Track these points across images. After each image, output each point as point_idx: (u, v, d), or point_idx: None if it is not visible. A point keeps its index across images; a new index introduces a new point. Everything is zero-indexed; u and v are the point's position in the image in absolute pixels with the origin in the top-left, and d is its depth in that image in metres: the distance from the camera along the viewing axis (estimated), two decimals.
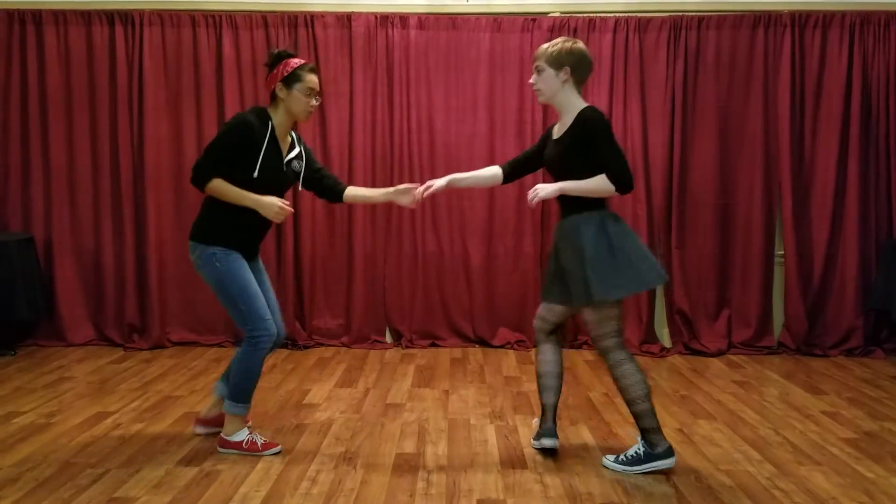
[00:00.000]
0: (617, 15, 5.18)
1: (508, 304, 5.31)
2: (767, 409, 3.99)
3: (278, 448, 3.29)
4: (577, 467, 3.17)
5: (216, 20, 5.16)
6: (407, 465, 3.18)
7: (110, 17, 5.16)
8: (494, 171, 3.40)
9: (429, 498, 2.87)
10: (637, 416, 3.10)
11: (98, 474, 3.05)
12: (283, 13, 5.17)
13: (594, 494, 2.90)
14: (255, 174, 3.14)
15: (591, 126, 3.02)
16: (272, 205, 3.12)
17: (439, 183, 3.30)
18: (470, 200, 5.27)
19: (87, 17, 5.16)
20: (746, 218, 5.21)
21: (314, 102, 3.27)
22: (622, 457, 3.14)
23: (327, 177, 3.46)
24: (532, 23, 5.19)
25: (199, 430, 3.51)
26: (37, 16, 5.15)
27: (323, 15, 5.18)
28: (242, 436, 3.26)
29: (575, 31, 5.16)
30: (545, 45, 3.16)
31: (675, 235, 5.21)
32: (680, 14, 5.16)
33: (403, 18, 5.20)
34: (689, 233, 5.23)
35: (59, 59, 5.18)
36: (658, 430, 3.10)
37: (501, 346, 5.29)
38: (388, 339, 5.41)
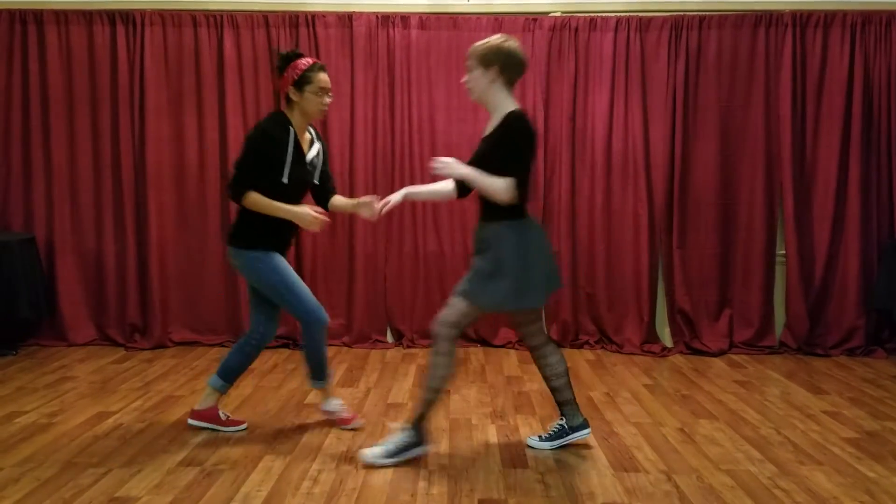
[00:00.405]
0: (618, 14, 5.18)
1: None
2: (769, 408, 3.99)
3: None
4: (579, 467, 3.17)
5: (217, 20, 5.16)
6: (408, 465, 3.18)
7: (112, 16, 5.16)
8: (448, 185, 3.38)
9: (430, 497, 2.87)
10: (424, 400, 3.16)
11: (100, 474, 3.05)
12: (284, 13, 5.17)
13: (595, 494, 2.90)
14: (285, 179, 3.28)
15: (511, 129, 3.01)
16: (306, 214, 3.26)
17: (395, 197, 3.34)
18: (471, 200, 5.24)
19: (88, 16, 5.16)
20: (748, 217, 5.21)
21: (327, 100, 3.36)
22: (386, 444, 3.19)
23: (329, 179, 3.57)
24: (533, 22, 5.19)
25: (192, 423, 3.60)
26: (38, 16, 5.16)
27: (324, 14, 5.18)
28: (336, 403, 3.65)
29: (576, 30, 5.16)
30: (477, 43, 3.13)
31: (677, 235, 5.21)
32: (681, 14, 5.16)
33: (405, 18, 5.20)
34: (690, 232, 5.23)
35: (61, 59, 5.18)
36: (426, 417, 3.19)
37: (503, 346, 5.30)
38: (390, 338, 5.41)
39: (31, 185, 5.24)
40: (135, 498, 2.83)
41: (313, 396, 4.13)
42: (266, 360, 4.90)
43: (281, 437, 3.50)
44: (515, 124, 3.02)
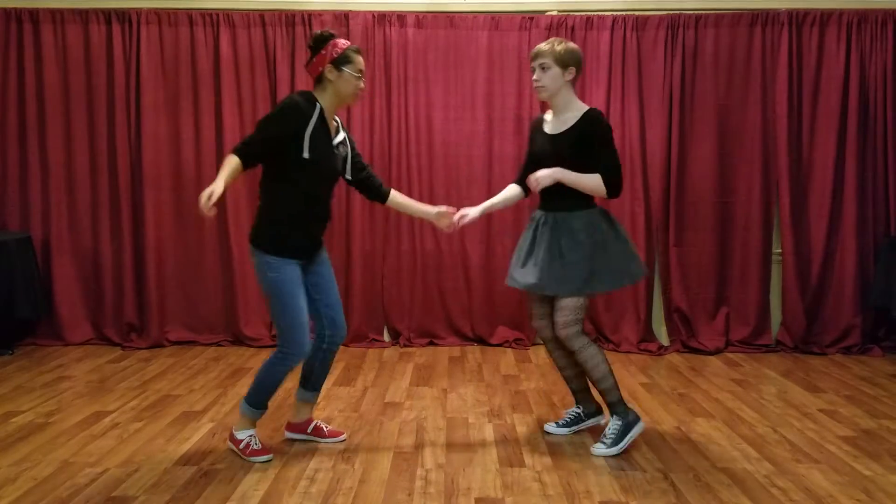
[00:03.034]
0: (615, 13, 5.18)
1: (507, 302, 5.31)
2: (765, 407, 4.00)
3: (269, 456, 3.23)
4: (576, 465, 3.17)
5: (213, 19, 5.16)
6: (405, 464, 3.18)
7: (108, 15, 5.15)
8: (516, 190, 3.55)
9: (427, 496, 2.87)
10: (605, 393, 3.31)
11: (97, 473, 3.05)
12: (280, 12, 5.17)
13: (592, 492, 2.91)
14: (306, 154, 3.05)
15: (597, 127, 3.19)
16: (204, 192, 2.85)
17: (473, 212, 3.48)
18: (469, 200, 5.25)
19: (84, 15, 5.15)
20: (744, 216, 5.22)
21: (362, 84, 3.21)
22: (605, 440, 3.29)
23: (373, 176, 3.43)
24: (530, 21, 5.19)
25: (289, 435, 3.48)
26: (34, 14, 5.15)
27: (321, 13, 5.17)
28: (244, 435, 3.25)
29: (573, 29, 5.16)
30: (548, 44, 3.25)
31: (674, 234, 5.22)
32: (678, 12, 5.16)
33: (401, 17, 5.19)
34: (687, 231, 5.23)
35: (57, 58, 5.17)
36: (623, 400, 3.34)
37: (500, 345, 5.30)
38: (387, 337, 5.41)
39: (27, 185, 5.23)
40: (132, 497, 2.83)
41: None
42: (263, 359, 4.85)
43: (278, 436, 3.50)
44: (599, 120, 3.20)
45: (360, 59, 3.18)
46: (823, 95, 5.14)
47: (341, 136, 3.30)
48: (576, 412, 3.59)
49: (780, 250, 5.26)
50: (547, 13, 5.24)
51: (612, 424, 3.32)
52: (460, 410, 3.91)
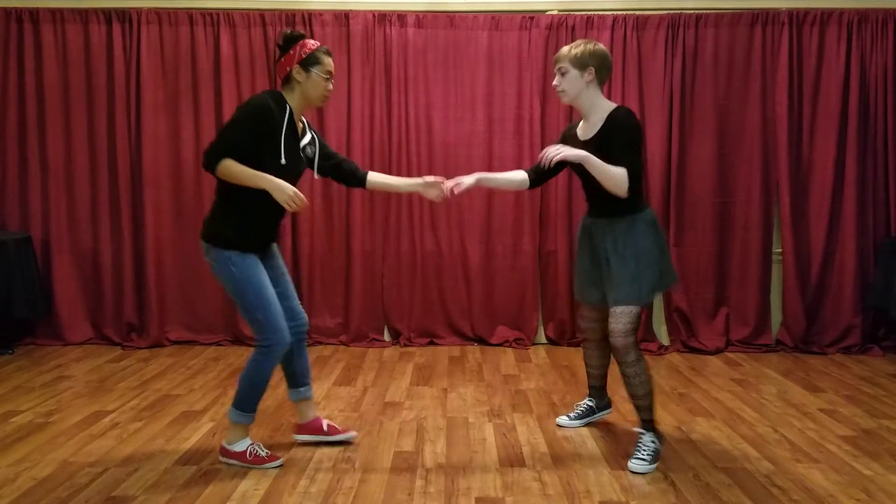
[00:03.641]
0: (615, 13, 5.18)
1: (507, 302, 5.32)
2: (765, 406, 4.00)
3: (280, 461, 3.18)
4: (576, 465, 3.17)
5: (214, 18, 5.16)
6: (405, 464, 3.18)
7: (108, 15, 5.15)
8: (522, 175, 3.43)
9: (427, 496, 2.87)
10: (643, 409, 3.22)
11: (96, 473, 3.05)
12: (280, 11, 5.17)
13: (592, 492, 2.90)
14: (283, 161, 3.02)
15: (626, 125, 3.09)
16: (285, 188, 2.91)
17: (468, 180, 3.30)
18: (469, 199, 5.27)
19: (84, 15, 5.15)
20: (744, 216, 5.22)
21: (330, 86, 3.16)
22: (643, 456, 3.14)
23: (345, 161, 3.36)
24: (530, 21, 5.19)
25: (302, 438, 3.42)
26: (34, 14, 5.14)
27: (321, 13, 5.17)
28: (244, 446, 3.16)
29: (573, 29, 5.16)
30: (567, 48, 3.20)
31: (674, 233, 5.22)
32: (678, 12, 5.16)
33: (401, 16, 5.19)
34: (687, 231, 5.23)
35: (57, 58, 5.17)
36: (654, 415, 3.29)
37: (500, 345, 5.30)
38: (387, 337, 5.41)
39: (27, 184, 5.22)
40: (132, 497, 2.83)
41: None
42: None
43: (278, 435, 3.50)
44: (630, 120, 3.10)
45: (328, 61, 3.13)
46: (824, 95, 5.14)
47: (308, 136, 3.25)
48: (588, 405, 3.69)
49: (780, 250, 5.26)
50: (547, 13, 5.23)
51: (646, 440, 3.18)
52: (460, 410, 3.91)
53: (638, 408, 3.23)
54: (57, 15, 5.14)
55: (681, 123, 5.16)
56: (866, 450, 3.36)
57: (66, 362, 4.80)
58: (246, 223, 3.06)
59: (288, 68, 3.09)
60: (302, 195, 2.95)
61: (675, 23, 5.14)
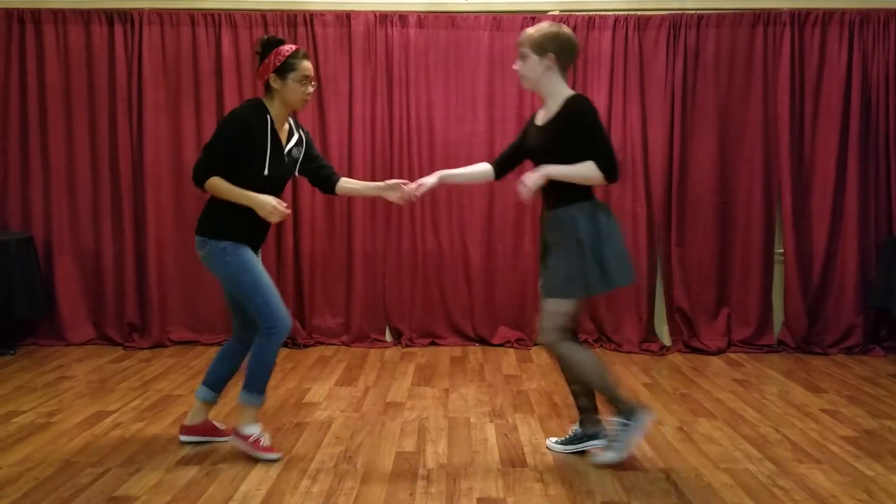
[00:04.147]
0: (616, 13, 5.18)
1: (508, 302, 5.31)
2: (767, 407, 4.00)
3: (278, 455, 3.21)
4: (577, 465, 3.17)
5: (215, 19, 5.16)
6: (407, 464, 3.18)
7: (109, 15, 5.16)
8: (485, 167, 3.35)
9: (429, 496, 2.87)
10: (604, 394, 3.12)
11: (98, 473, 3.05)
12: (282, 12, 5.17)
13: (594, 492, 2.90)
14: (266, 171, 3.10)
15: (580, 113, 2.98)
16: (266, 203, 3.04)
17: (430, 180, 3.26)
18: (469, 199, 5.27)
19: (86, 15, 5.16)
20: (746, 216, 5.21)
21: (310, 89, 3.18)
22: (612, 445, 3.12)
23: (324, 166, 3.40)
24: (531, 21, 5.18)
25: (185, 438, 3.40)
26: (36, 15, 5.15)
27: (322, 13, 5.17)
28: (254, 430, 3.21)
29: (574, 29, 5.15)
30: (530, 30, 3.09)
31: (675, 234, 5.21)
32: (679, 12, 5.16)
33: (403, 17, 5.19)
34: (688, 231, 5.23)
35: (59, 59, 5.17)
36: (622, 397, 3.14)
37: (501, 345, 5.29)
38: (388, 337, 5.41)
39: (28, 185, 5.23)
40: (133, 497, 2.83)
41: (312, 396, 4.14)
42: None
43: (279, 435, 3.50)
44: (581, 105, 2.99)
45: (304, 65, 3.14)
46: (825, 95, 5.13)
47: (296, 137, 3.29)
48: (578, 430, 3.34)
49: (781, 250, 5.26)
50: (548, 13, 5.24)
51: (619, 427, 3.12)
52: (462, 410, 3.91)
53: (609, 401, 3.13)
54: (59, 15, 5.15)
55: (682, 123, 5.16)
56: (868, 450, 3.36)
57: (68, 362, 4.81)
58: (239, 217, 3.12)
59: (266, 76, 3.15)
60: (283, 205, 3.06)
61: (676, 23, 5.14)
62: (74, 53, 5.17)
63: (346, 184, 3.43)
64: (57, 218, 5.24)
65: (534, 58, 3.05)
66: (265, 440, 3.22)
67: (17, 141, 5.21)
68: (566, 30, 3.08)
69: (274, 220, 3.09)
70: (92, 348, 5.17)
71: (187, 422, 3.42)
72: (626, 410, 3.13)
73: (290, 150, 3.25)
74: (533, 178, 3.03)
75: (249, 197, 3.05)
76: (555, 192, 3.08)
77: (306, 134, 3.38)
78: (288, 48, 3.15)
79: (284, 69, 3.12)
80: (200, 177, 3.08)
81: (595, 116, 3.00)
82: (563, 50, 3.05)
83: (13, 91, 5.18)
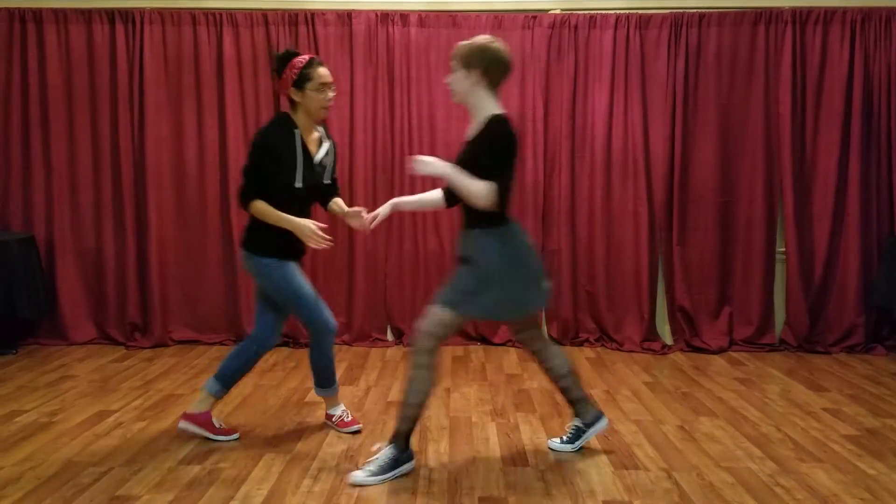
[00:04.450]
0: (618, 12, 5.17)
1: None
2: (769, 406, 4.00)
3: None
4: (579, 464, 3.17)
5: (217, 18, 5.16)
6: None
7: (111, 15, 5.16)
8: (437, 195, 3.28)
9: (431, 496, 2.87)
10: (402, 419, 3.03)
11: (100, 473, 3.05)
12: (283, 11, 5.17)
13: (596, 491, 2.90)
14: (299, 184, 3.23)
15: (493, 135, 2.89)
16: (306, 227, 3.17)
17: (383, 210, 3.28)
18: None
19: (87, 15, 5.16)
20: (748, 215, 5.21)
21: (330, 95, 3.28)
22: (370, 466, 3.02)
23: (332, 185, 3.50)
24: (533, 20, 5.18)
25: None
26: (37, 14, 5.15)
27: (323, 12, 5.17)
28: (340, 410, 3.64)
29: (576, 27, 5.15)
30: (462, 43, 3.01)
31: (677, 233, 5.21)
32: (681, 11, 5.15)
33: (404, 16, 5.19)
34: (690, 230, 5.23)
35: (60, 58, 5.18)
36: (410, 429, 3.05)
37: (503, 344, 5.29)
38: (390, 337, 5.41)
39: (30, 185, 5.23)
40: (135, 497, 2.84)
41: (313, 395, 4.14)
42: (266, 358, 4.90)
43: (281, 435, 3.51)
44: (497, 128, 2.90)
45: (319, 73, 3.23)
46: (827, 94, 5.13)
47: (325, 146, 3.39)
48: (576, 426, 3.34)
49: (783, 249, 5.25)
50: (550, 12, 5.23)
51: (385, 452, 3.03)
52: (463, 410, 3.91)
53: (400, 415, 3.04)
54: (60, 15, 5.15)
55: (684, 122, 5.16)
56: (870, 449, 3.35)
57: (70, 362, 4.81)
58: (279, 236, 3.24)
59: (286, 90, 3.26)
60: (322, 231, 3.19)
61: (678, 21, 5.13)
62: (76, 53, 5.17)
63: (332, 204, 3.53)
64: (59, 218, 5.24)
65: (461, 72, 2.97)
66: (346, 415, 3.61)
67: (19, 141, 5.21)
68: (497, 45, 2.97)
69: (312, 244, 3.20)
70: (94, 348, 5.18)
71: (190, 409, 3.50)
72: (401, 442, 3.04)
73: (321, 159, 3.36)
74: (430, 166, 2.96)
75: (290, 221, 3.19)
76: (468, 212, 3.02)
77: (333, 144, 3.48)
78: (301, 59, 3.23)
79: (301, 81, 3.21)
80: (245, 201, 3.24)
81: (506, 141, 2.89)
82: (491, 66, 2.94)
83: (15, 91, 5.18)
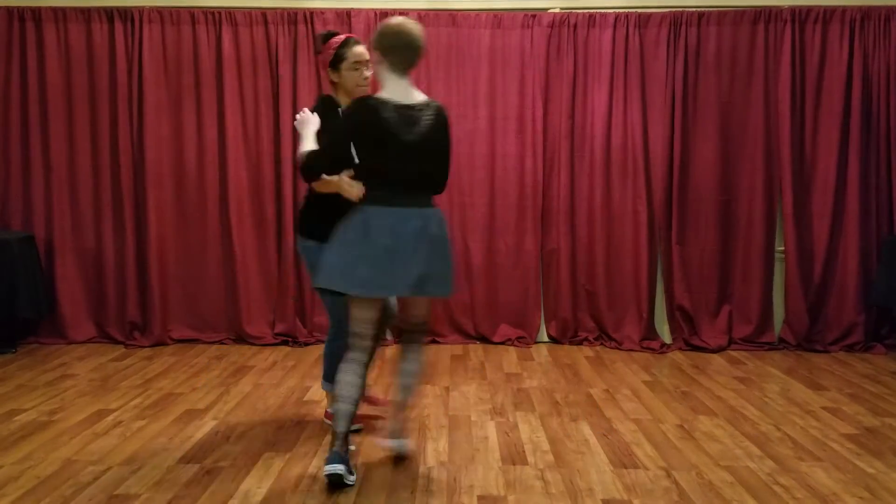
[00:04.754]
0: (617, 11, 5.17)
1: (509, 301, 5.31)
2: (768, 404, 4.00)
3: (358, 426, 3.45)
4: (578, 463, 3.17)
5: (216, 17, 5.16)
6: (408, 462, 3.18)
7: (110, 14, 5.16)
8: None
9: (430, 494, 2.87)
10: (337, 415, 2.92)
11: (99, 472, 3.05)
12: (282, 10, 5.16)
13: (595, 490, 2.90)
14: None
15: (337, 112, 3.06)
16: (342, 181, 2.98)
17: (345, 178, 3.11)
18: (471, 197, 5.26)
19: (86, 14, 5.15)
20: (747, 214, 5.21)
21: (366, 73, 3.28)
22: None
23: None
24: (532, 19, 5.18)
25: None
26: (36, 13, 5.15)
27: (323, 11, 5.17)
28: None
29: (575, 26, 5.15)
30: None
31: (676, 232, 5.21)
32: (680, 10, 5.15)
33: (403, 14, 5.18)
34: (689, 229, 5.23)
35: (59, 57, 5.17)
36: (344, 436, 2.91)
37: (502, 343, 5.29)
38: (389, 335, 5.41)
39: (29, 184, 5.23)
40: (135, 496, 2.84)
41: (313, 394, 4.14)
42: (265, 357, 4.90)
43: (281, 434, 3.51)
44: (349, 106, 2.93)
45: (353, 52, 3.25)
46: (826, 93, 5.13)
47: None
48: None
49: (782, 248, 5.25)
50: (549, 10, 5.23)
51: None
52: (463, 408, 3.91)
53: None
54: (59, 14, 5.15)
55: (683, 121, 5.15)
56: (869, 448, 3.36)
57: (70, 361, 4.81)
58: (322, 219, 3.16)
59: (324, 72, 3.34)
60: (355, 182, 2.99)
61: (677, 20, 5.13)
62: (75, 52, 5.17)
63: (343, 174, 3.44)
64: (58, 217, 5.24)
65: (375, 55, 2.93)
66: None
67: (18, 140, 5.21)
68: (394, 28, 2.85)
69: (355, 195, 2.94)
70: (93, 346, 5.18)
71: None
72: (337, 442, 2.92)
73: None
74: (299, 124, 3.04)
75: (333, 182, 3.01)
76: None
77: None
78: (337, 39, 3.28)
79: (337, 60, 3.26)
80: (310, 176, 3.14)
81: (332, 115, 3.05)
82: (388, 48, 2.85)
83: (14, 90, 5.18)
